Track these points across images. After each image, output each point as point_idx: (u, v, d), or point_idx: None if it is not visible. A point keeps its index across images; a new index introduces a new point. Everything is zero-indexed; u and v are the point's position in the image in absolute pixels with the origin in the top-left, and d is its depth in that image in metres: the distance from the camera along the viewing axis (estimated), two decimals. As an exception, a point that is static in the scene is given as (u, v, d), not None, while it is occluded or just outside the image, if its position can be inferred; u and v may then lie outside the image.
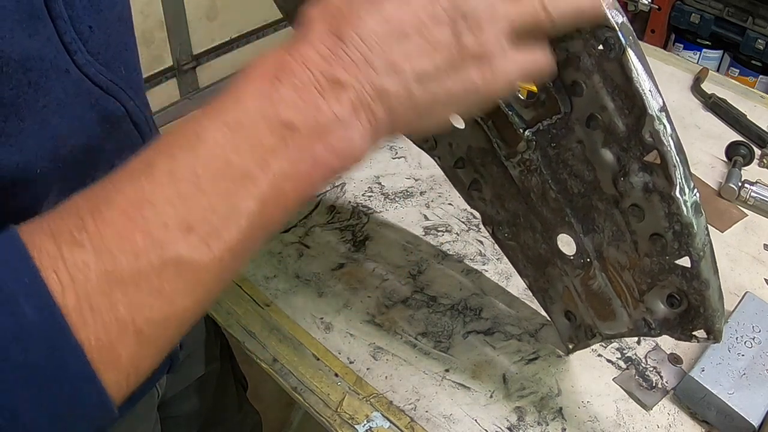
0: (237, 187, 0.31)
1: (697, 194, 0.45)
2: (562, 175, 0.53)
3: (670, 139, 0.44)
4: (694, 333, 0.51)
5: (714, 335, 0.50)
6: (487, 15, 0.35)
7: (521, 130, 0.53)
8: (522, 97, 0.51)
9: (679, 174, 0.46)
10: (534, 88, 0.50)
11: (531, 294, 0.67)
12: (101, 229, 0.29)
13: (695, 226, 0.47)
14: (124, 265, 0.29)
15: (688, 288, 0.49)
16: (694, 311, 0.50)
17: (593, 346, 0.69)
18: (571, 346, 0.65)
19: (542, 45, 0.39)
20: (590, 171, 0.51)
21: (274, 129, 0.32)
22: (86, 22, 0.40)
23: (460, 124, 0.60)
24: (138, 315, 0.29)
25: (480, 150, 0.61)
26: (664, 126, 0.44)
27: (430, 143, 0.67)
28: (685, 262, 0.48)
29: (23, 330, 0.27)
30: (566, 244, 0.57)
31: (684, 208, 0.46)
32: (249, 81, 0.33)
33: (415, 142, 0.68)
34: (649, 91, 0.44)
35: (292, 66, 0.33)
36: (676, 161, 0.45)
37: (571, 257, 0.57)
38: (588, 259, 0.56)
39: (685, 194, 0.46)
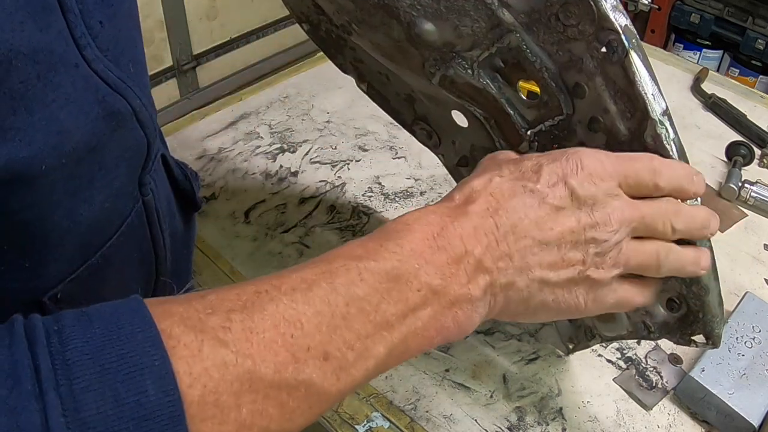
0: (376, 331, 0.34)
1: (699, 200, 0.45)
2: None
3: (672, 143, 0.44)
4: (693, 338, 0.51)
5: (713, 341, 0.50)
6: (613, 255, 0.40)
7: (523, 130, 0.52)
8: (524, 98, 0.51)
9: None
10: (536, 89, 0.50)
11: None
12: (248, 335, 0.31)
13: None
14: (262, 374, 0.30)
15: (687, 293, 0.49)
16: (693, 316, 0.49)
17: (593, 346, 0.69)
18: (571, 347, 0.65)
19: (643, 285, 0.44)
20: None
21: (422, 289, 0.35)
22: (96, 17, 0.40)
23: (463, 123, 0.60)
24: (258, 422, 0.31)
25: (483, 149, 0.60)
26: (667, 130, 0.44)
27: (434, 140, 0.66)
28: None
29: (141, 408, 0.27)
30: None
31: None
32: (412, 235, 0.37)
33: (419, 139, 0.68)
34: (652, 95, 0.44)
35: (452, 236, 0.37)
36: None
37: None
38: None
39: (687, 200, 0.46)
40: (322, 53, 0.73)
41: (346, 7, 0.54)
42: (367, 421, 0.63)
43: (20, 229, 0.38)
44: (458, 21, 0.49)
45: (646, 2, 0.98)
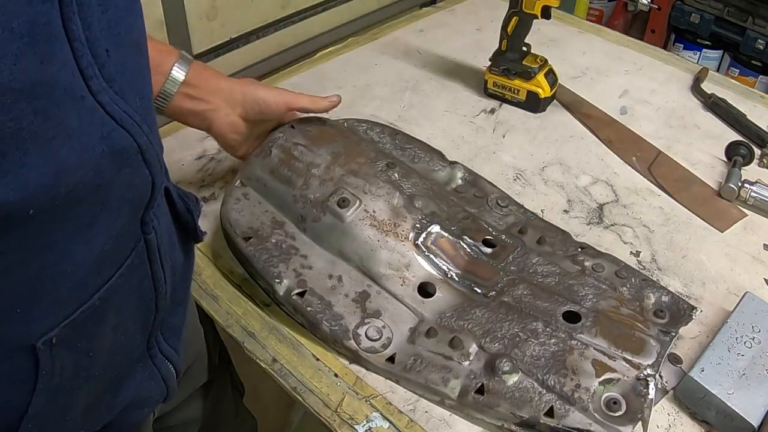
0: None
1: None
2: (538, 279, 0.71)
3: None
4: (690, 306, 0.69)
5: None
6: None
7: (497, 266, 0.72)
8: (488, 250, 0.74)
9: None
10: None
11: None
12: None
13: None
14: None
15: (655, 283, 0.71)
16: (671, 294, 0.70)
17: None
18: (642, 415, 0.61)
19: None
20: (555, 266, 0.72)
21: None
22: (103, 45, 0.37)
23: (424, 298, 0.69)
24: None
25: (455, 307, 0.68)
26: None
27: (383, 339, 0.67)
28: (641, 276, 0.72)
29: None
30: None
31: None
32: None
33: (357, 346, 0.67)
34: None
35: None
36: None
37: (582, 322, 0.66)
38: (595, 315, 0.66)
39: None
40: (321, 54, 0.73)
41: None
42: (367, 422, 0.63)
43: (8, 274, 0.36)
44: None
45: (646, 2, 0.98)
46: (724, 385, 0.61)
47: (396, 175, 0.77)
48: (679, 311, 0.68)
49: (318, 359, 0.69)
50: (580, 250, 0.75)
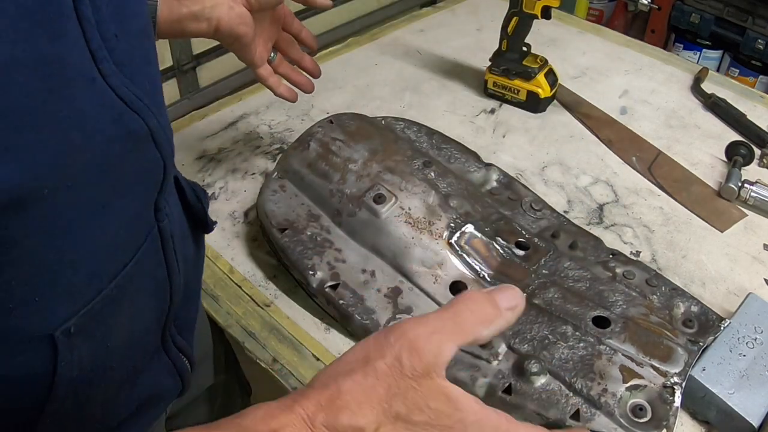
0: None
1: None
2: (569, 283, 0.71)
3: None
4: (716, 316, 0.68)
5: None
6: None
7: (528, 268, 0.72)
8: (521, 252, 0.74)
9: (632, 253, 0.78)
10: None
11: None
12: None
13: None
14: None
15: (685, 293, 0.69)
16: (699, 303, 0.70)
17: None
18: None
19: None
20: (586, 271, 0.72)
21: None
22: (112, 29, 0.38)
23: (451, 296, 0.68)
24: None
25: None
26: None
27: None
28: (671, 285, 0.72)
29: None
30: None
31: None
32: None
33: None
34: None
35: None
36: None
37: (611, 328, 0.66)
38: (624, 322, 0.66)
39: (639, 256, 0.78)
40: (321, 54, 0.72)
41: None
42: (367, 422, 0.63)
43: (27, 260, 0.36)
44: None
45: (646, 2, 0.98)
46: (725, 385, 0.61)
47: (432, 174, 0.78)
48: (708, 322, 0.67)
49: (318, 359, 0.69)
50: (611, 256, 0.75)
